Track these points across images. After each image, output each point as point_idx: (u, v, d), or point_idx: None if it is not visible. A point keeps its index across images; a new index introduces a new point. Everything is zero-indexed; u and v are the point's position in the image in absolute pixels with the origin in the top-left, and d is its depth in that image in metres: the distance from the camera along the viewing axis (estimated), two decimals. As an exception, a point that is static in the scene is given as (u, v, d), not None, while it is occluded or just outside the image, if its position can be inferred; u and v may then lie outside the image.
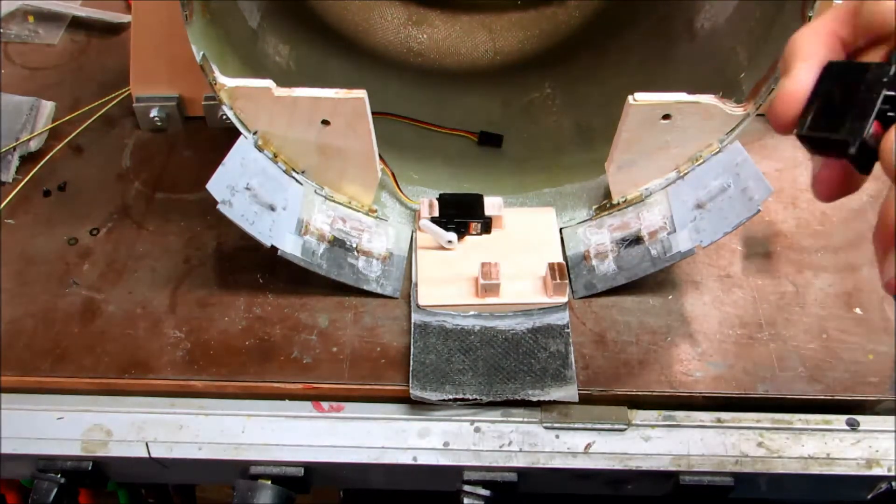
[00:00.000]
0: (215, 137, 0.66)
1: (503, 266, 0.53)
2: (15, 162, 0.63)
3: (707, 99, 0.50)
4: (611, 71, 0.67)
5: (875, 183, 0.45)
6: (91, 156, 0.65)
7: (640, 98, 0.49)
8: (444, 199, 0.57)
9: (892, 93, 0.30)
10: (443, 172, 0.62)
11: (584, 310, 0.55)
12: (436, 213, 0.57)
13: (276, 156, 0.53)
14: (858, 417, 0.51)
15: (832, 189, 0.36)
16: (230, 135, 0.52)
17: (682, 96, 0.50)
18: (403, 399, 0.51)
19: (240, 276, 0.57)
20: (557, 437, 0.50)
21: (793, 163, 0.65)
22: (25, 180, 0.63)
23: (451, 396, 0.50)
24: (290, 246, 0.52)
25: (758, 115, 0.50)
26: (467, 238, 0.57)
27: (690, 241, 0.52)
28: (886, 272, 0.33)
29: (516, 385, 0.50)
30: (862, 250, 0.59)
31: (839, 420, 0.51)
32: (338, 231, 0.55)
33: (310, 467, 0.50)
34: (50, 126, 0.67)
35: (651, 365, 0.52)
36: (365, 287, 0.55)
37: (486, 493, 0.49)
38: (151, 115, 0.65)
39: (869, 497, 0.51)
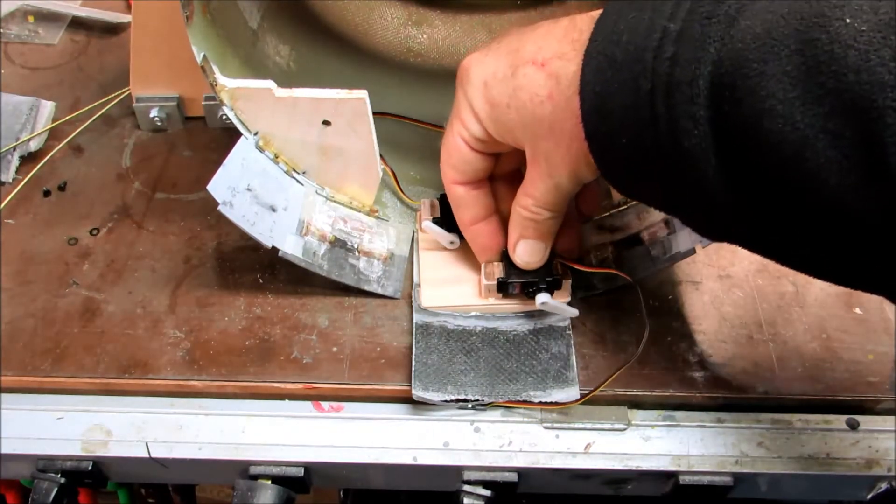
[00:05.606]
0: (215, 137, 0.66)
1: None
2: (15, 162, 0.63)
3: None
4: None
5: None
6: (91, 156, 0.65)
7: (641, 98, 0.49)
8: (445, 200, 0.57)
9: None
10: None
11: (584, 310, 0.54)
12: (437, 214, 0.57)
13: (276, 156, 0.53)
14: (858, 417, 0.51)
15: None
16: (230, 135, 0.52)
17: (683, 96, 0.50)
18: (403, 399, 0.51)
19: (240, 276, 0.57)
20: (557, 437, 0.50)
21: (792, 163, 0.65)
22: (25, 180, 0.63)
23: (453, 397, 0.50)
24: (291, 247, 0.52)
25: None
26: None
27: (690, 241, 0.52)
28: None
29: (518, 386, 0.50)
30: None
31: (839, 420, 0.51)
32: (339, 231, 0.55)
33: (310, 467, 0.50)
34: (50, 126, 0.66)
35: (651, 365, 0.52)
36: (366, 288, 0.55)
37: (486, 493, 0.49)
38: (151, 115, 0.65)
39: (869, 497, 0.51)
